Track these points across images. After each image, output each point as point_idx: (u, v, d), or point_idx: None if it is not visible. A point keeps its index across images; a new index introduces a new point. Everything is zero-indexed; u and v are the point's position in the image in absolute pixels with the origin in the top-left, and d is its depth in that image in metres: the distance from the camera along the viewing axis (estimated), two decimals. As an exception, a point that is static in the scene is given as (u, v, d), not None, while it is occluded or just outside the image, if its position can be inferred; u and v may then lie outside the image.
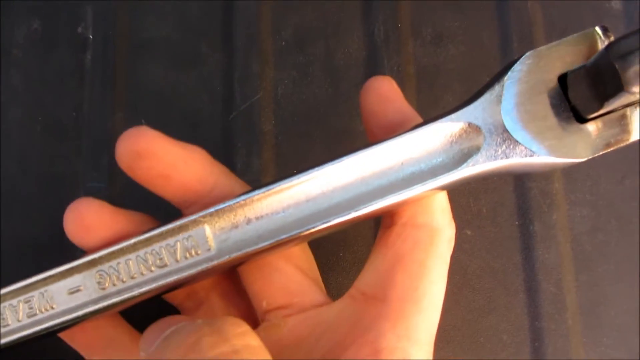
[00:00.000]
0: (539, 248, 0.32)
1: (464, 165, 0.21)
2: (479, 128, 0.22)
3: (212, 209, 0.22)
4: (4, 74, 0.32)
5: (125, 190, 0.30)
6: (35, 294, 0.22)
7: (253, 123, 0.31)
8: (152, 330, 0.21)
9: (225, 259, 0.22)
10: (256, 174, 0.30)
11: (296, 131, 0.32)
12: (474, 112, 0.22)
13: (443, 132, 0.22)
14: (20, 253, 0.30)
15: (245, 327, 0.19)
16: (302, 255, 0.25)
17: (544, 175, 0.32)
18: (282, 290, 0.24)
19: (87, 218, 0.23)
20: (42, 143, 0.31)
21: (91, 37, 0.32)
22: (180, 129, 0.31)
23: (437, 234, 0.23)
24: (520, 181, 0.32)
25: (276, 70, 0.32)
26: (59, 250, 0.30)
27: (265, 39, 0.33)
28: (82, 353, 0.25)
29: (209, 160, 0.24)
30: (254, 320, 0.25)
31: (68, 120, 0.31)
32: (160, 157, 0.23)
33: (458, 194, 0.32)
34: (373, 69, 0.33)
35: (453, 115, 0.22)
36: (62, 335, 0.24)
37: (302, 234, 0.22)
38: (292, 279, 0.25)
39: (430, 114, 0.32)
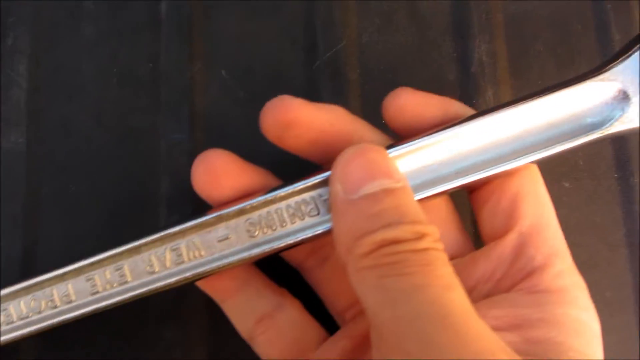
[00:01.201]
0: None
1: (608, 125, 0.22)
2: (626, 91, 0.22)
3: None
4: (77, 26, 0.30)
5: (207, 142, 0.29)
6: (183, 242, 0.22)
7: (338, 72, 0.30)
8: (356, 166, 0.20)
9: None
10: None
11: (382, 80, 0.30)
12: (622, 73, 0.22)
13: (590, 91, 0.22)
14: (99, 210, 0.29)
15: (435, 236, 0.20)
16: (446, 206, 0.25)
17: None
18: None
19: (218, 168, 0.23)
20: (118, 96, 0.30)
21: (166, -15, 0.31)
22: (263, 80, 0.30)
23: (535, 173, 0.24)
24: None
25: (359, 17, 0.31)
26: (139, 205, 0.29)
27: (347, -15, 0.31)
28: (214, 297, 0.25)
29: (350, 118, 0.24)
30: None
31: (145, 72, 0.30)
32: (307, 125, 0.23)
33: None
34: (460, 15, 0.31)
35: (602, 76, 0.22)
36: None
37: (457, 184, 0.22)
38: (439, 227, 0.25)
39: (520, 63, 0.31)
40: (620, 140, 0.31)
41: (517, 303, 0.22)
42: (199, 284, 0.25)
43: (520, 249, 0.23)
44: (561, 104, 0.22)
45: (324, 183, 0.22)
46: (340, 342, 0.24)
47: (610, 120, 0.22)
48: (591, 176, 0.30)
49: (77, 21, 0.30)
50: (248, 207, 0.22)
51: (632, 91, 0.22)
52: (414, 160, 0.22)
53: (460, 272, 0.23)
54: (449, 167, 0.22)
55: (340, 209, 0.20)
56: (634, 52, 0.22)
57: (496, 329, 0.20)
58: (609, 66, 0.22)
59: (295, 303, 0.25)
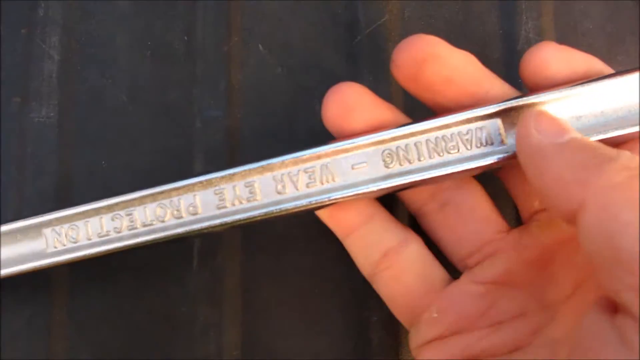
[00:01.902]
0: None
1: None
2: None
3: (509, 102, 0.22)
4: (110, -3, 0.29)
5: (244, 118, 0.28)
6: (317, 164, 0.22)
7: (379, 48, 0.29)
8: (547, 120, 0.20)
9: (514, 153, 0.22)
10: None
11: (426, 57, 0.29)
12: None
13: None
14: (131, 187, 0.28)
15: None
16: (480, 186, 0.25)
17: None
18: (478, 231, 0.24)
19: (351, 100, 0.23)
20: (153, 70, 0.29)
21: (204, -43, 0.29)
22: (301, 55, 0.29)
23: None
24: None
25: (402, -8, 0.30)
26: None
27: (390, -42, 0.30)
28: (338, 232, 0.25)
29: (480, 65, 0.24)
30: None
31: (180, 46, 0.29)
32: (445, 60, 0.23)
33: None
34: (507, -9, 0.30)
35: None
36: (319, 213, 0.24)
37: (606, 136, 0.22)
38: (485, 218, 0.24)
39: (568, 41, 0.30)
40: None
41: None
42: (323, 217, 0.24)
43: None
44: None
45: (468, 121, 0.22)
46: (466, 286, 0.24)
47: None
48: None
49: (111, -8, 0.29)
50: (387, 137, 0.22)
51: None
52: (556, 108, 0.22)
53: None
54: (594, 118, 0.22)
55: (551, 153, 0.19)
56: None
57: None
58: None
59: (420, 240, 0.25)
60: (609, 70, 0.23)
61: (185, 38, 0.29)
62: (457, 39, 0.29)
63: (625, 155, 0.18)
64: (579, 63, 0.23)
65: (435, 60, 0.22)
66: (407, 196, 0.25)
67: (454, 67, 0.23)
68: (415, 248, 0.24)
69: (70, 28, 0.29)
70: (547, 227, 0.23)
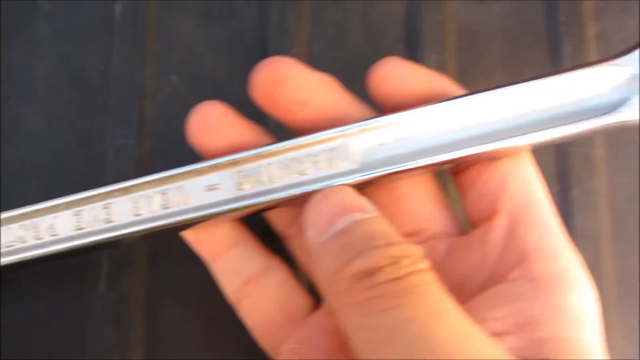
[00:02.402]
0: (578, 214, 0.31)
1: (618, 110, 0.21)
2: (637, 75, 0.22)
3: (359, 124, 0.22)
4: (31, 26, 0.30)
5: (155, 148, 0.30)
6: (172, 186, 0.23)
7: (287, 80, 0.30)
8: (324, 208, 0.20)
9: (367, 174, 0.22)
10: (291, 133, 0.29)
11: (332, 90, 0.30)
12: (636, 60, 0.22)
13: (597, 76, 0.22)
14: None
15: (415, 254, 0.19)
16: (430, 181, 0.25)
17: (586, 139, 0.31)
18: (412, 215, 0.24)
19: (212, 119, 0.24)
20: (69, 98, 0.30)
21: (120, -13, 0.31)
22: (212, 87, 0.30)
23: (526, 153, 0.23)
24: (560, 145, 0.31)
25: (312, 26, 0.31)
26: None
27: (301, -8, 0.31)
28: (205, 257, 0.25)
29: (340, 88, 0.24)
30: None
31: (96, 75, 0.30)
32: (300, 82, 0.23)
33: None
34: (412, 26, 0.31)
35: (613, 61, 0.22)
36: (186, 237, 0.25)
37: (446, 158, 0.22)
38: (422, 204, 0.24)
39: (469, 74, 0.32)
40: (562, 153, 0.31)
41: (517, 296, 0.21)
42: (190, 242, 0.25)
43: (511, 231, 0.22)
44: (566, 86, 0.22)
45: (319, 142, 0.22)
46: (325, 318, 0.24)
47: (619, 106, 0.22)
48: (532, 189, 0.31)
49: (32, 20, 0.31)
50: (240, 158, 0.23)
51: None
52: (400, 131, 0.22)
53: (452, 260, 0.23)
54: (436, 139, 0.22)
55: (315, 253, 0.20)
56: None
57: (501, 333, 0.20)
58: (624, 53, 0.22)
59: (284, 268, 0.25)
60: (453, 86, 0.24)
61: (102, 67, 0.30)
62: (363, 72, 0.31)
63: (370, 256, 0.19)
64: (422, 78, 0.23)
65: (289, 81, 0.23)
66: (272, 219, 0.26)
67: (309, 89, 0.23)
68: (277, 276, 0.25)
69: (-9, 56, 0.30)
70: None
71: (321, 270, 0.20)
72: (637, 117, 0.22)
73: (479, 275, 0.22)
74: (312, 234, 0.20)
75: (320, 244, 0.20)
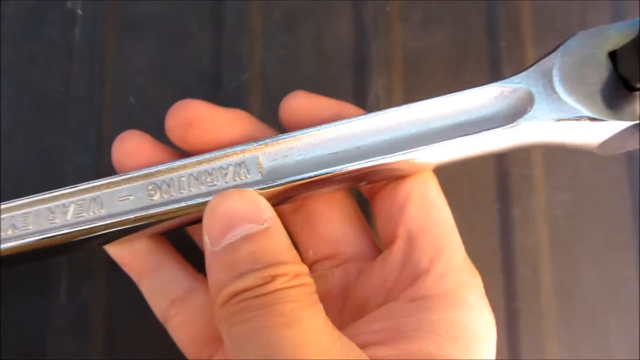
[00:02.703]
0: (518, 231, 0.33)
1: (514, 123, 0.23)
2: (531, 92, 0.23)
3: (265, 140, 0.24)
4: (-7, 47, 0.32)
5: (112, 166, 0.31)
6: (87, 197, 0.24)
7: (241, 102, 0.32)
8: (220, 214, 0.21)
9: (271, 184, 0.23)
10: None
11: (283, 112, 0.32)
12: (527, 78, 0.24)
13: (493, 94, 0.24)
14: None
15: (283, 272, 0.20)
16: (348, 204, 0.26)
17: (525, 159, 0.33)
18: (328, 239, 0.26)
19: (129, 144, 0.25)
20: (30, 118, 0.31)
21: (80, 12, 0.32)
22: (168, 107, 0.31)
23: (429, 177, 0.25)
24: (501, 166, 0.33)
25: (265, 50, 0.33)
26: None
27: (255, 18, 0.33)
28: (133, 276, 0.26)
29: (252, 120, 0.26)
30: None
31: (56, 96, 0.31)
32: (210, 122, 0.24)
33: (440, 177, 0.32)
34: (361, 51, 0.33)
35: (506, 80, 0.24)
36: (114, 257, 0.26)
37: (349, 169, 0.23)
38: (338, 228, 0.26)
39: (415, 97, 0.33)
40: (502, 173, 0.33)
41: (396, 313, 0.22)
42: (117, 260, 0.26)
43: (408, 254, 0.23)
44: (462, 104, 0.24)
45: (227, 156, 0.24)
46: None
47: (512, 120, 0.23)
48: (473, 207, 0.33)
49: (-6, 42, 0.32)
50: (153, 171, 0.24)
51: (536, 93, 0.23)
52: (302, 145, 0.24)
53: (359, 282, 0.24)
54: (337, 153, 0.24)
55: (208, 260, 0.21)
56: (538, 61, 0.24)
57: (373, 343, 0.21)
58: (518, 73, 0.24)
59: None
60: (359, 112, 0.25)
61: (62, 88, 0.31)
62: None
63: (247, 279, 0.20)
64: (328, 108, 0.25)
65: (198, 123, 0.24)
66: (196, 237, 0.27)
67: (219, 127, 0.25)
68: (201, 297, 0.26)
69: (-47, 76, 0.31)
70: (320, 280, 0.25)
71: (209, 280, 0.21)
72: (530, 135, 0.23)
73: (379, 297, 0.24)
74: (207, 240, 0.21)
75: (211, 253, 0.21)
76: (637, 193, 0.33)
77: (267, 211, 0.21)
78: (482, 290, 0.23)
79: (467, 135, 0.23)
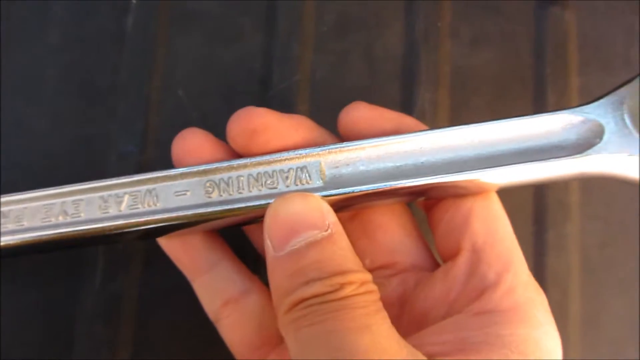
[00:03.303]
0: (551, 255, 0.33)
1: (582, 154, 0.23)
2: (601, 124, 0.23)
3: (329, 146, 0.24)
4: (43, 30, 0.31)
5: (157, 158, 0.31)
6: (142, 189, 0.24)
7: (289, 104, 0.32)
8: (283, 219, 0.21)
9: (333, 192, 0.23)
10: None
11: (330, 116, 0.31)
12: (597, 109, 0.23)
13: (562, 123, 0.24)
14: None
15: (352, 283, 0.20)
16: (406, 215, 0.26)
17: (563, 186, 0.33)
18: (385, 248, 0.26)
19: (190, 142, 0.25)
20: (77, 103, 0.31)
21: (134, 1, 0.32)
22: (216, 103, 0.32)
23: (491, 193, 0.24)
24: (539, 189, 0.33)
25: (315, 54, 0.33)
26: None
27: (307, 22, 0.33)
28: (186, 274, 0.26)
29: (314, 125, 0.25)
30: None
31: (104, 83, 0.31)
32: (274, 129, 0.24)
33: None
34: (410, 64, 0.33)
35: (576, 109, 0.24)
36: (168, 252, 0.26)
37: (412, 185, 0.23)
38: (395, 238, 0.26)
39: (460, 113, 0.33)
40: (540, 197, 0.33)
41: (463, 326, 0.22)
42: (171, 257, 0.26)
43: (473, 267, 0.23)
44: (530, 129, 0.24)
45: (289, 159, 0.23)
46: None
47: (581, 151, 0.23)
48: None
49: (45, 24, 0.31)
50: (212, 168, 0.24)
51: (606, 125, 0.23)
52: (367, 155, 0.24)
53: (419, 293, 0.24)
54: (402, 167, 0.23)
55: (270, 266, 0.21)
56: (611, 93, 0.24)
57: (440, 354, 0.21)
58: (588, 103, 0.24)
59: (262, 290, 0.26)
60: (420, 126, 0.25)
61: (110, 76, 0.31)
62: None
63: (312, 287, 0.20)
64: (389, 120, 0.25)
65: (264, 130, 0.24)
66: (253, 238, 0.27)
67: (284, 136, 0.24)
68: (256, 299, 0.26)
69: (3, 55, 0.31)
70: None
71: (273, 285, 0.21)
72: (597, 166, 0.23)
73: (441, 308, 0.24)
74: (269, 245, 0.21)
75: (274, 259, 0.21)
76: (668, 227, 0.34)
77: (330, 217, 0.21)
78: (548, 308, 0.23)
79: (534, 161, 0.23)
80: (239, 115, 0.24)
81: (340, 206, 0.24)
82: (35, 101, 0.31)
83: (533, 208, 0.33)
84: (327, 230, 0.21)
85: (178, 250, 0.26)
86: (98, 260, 0.30)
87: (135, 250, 0.30)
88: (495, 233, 0.23)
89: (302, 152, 0.24)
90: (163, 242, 0.26)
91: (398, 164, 0.23)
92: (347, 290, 0.20)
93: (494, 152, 0.24)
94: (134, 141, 0.31)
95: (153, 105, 0.31)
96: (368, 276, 0.21)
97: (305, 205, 0.21)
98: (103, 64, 0.31)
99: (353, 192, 0.23)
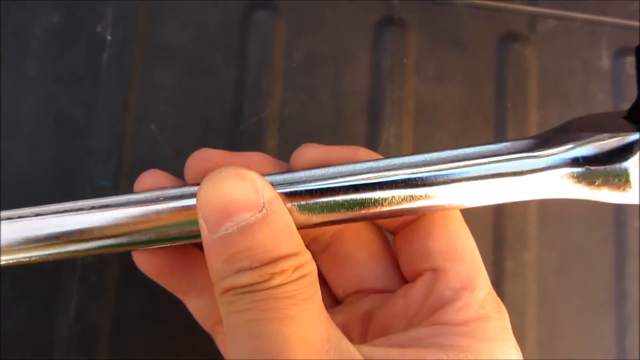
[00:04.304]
0: (508, 282, 0.34)
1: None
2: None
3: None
4: (21, 64, 0.32)
5: (130, 191, 0.32)
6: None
7: (258, 139, 0.33)
8: (216, 200, 0.20)
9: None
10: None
11: (298, 151, 0.33)
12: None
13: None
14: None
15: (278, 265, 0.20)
16: (376, 241, 0.27)
17: (521, 216, 0.35)
18: (355, 278, 0.26)
19: (149, 183, 0.25)
20: (53, 136, 0.32)
21: (109, 37, 0.33)
22: (189, 137, 0.33)
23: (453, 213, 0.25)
24: (498, 220, 0.35)
25: (285, 89, 0.34)
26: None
27: (277, 58, 0.34)
28: (178, 296, 0.27)
29: (271, 161, 0.26)
30: None
31: (80, 117, 0.32)
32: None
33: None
34: (376, 99, 0.34)
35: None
36: (157, 280, 0.26)
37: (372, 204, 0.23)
38: (363, 267, 0.26)
39: (424, 147, 0.35)
40: (499, 227, 0.35)
41: (414, 334, 0.23)
42: (161, 283, 0.26)
43: (431, 287, 0.24)
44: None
45: None
46: None
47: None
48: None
49: (23, 60, 0.32)
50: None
51: None
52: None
53: (384, 308, 0.25)
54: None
55: (206, 246, 0.21)
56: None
57: (379, 353, 0.21)
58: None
59: None
60: (373, 155, 0.26)
61: (86, 111, 0.32)
62: (328, 138, 0.34)
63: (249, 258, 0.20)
64: (341, 155, 0.25)
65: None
66: None
67: None
68: None
69: (-20, 89, 0.32)
70: (351, 306, 0.26)
71: (209, 265, 0.21)
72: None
73: (401, 322, 0.24)
74: (203, 225, 0.21)
75: (210, 240, 0.20)
76: (620, 256, 0.35)
77: (267, 193, 0.21)
78: (507, 324, 0.24)
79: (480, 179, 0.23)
80: (193, 157, 0.25)
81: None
82: (13, 133, 0.32)
83: (492, 238, 0.35)
84: (261, 210, 0.20)
85: (167, 277, 0.26)
86: (73, 292, 0.31)
87: (109, 280, 0.31)
88: (454, 252, 0.24)
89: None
90: (149, 270, 0.26)
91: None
92: (277, 280, 0.20)
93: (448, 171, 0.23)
94: (108, 175, 0.32)
95: (127, 140, 0.32)
96: (303, 258, 0.21)
97: (238, 184, 0.20)
98: (79, 98, 0.32)
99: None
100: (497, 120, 0.36)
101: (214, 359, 0.30)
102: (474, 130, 0.35)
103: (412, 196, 0.23)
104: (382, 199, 0.23)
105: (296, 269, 0.20)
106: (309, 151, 0.25)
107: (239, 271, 0.20)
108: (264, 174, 0.24)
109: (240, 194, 0.20)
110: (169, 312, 0.31)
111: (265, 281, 0.20)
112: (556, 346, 0.34)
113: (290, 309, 0.20)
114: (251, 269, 0.20)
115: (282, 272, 0.20)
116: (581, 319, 0.35)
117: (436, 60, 0.35)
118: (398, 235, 0.26)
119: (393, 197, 0.23)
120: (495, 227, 0.35)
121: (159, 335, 0.31)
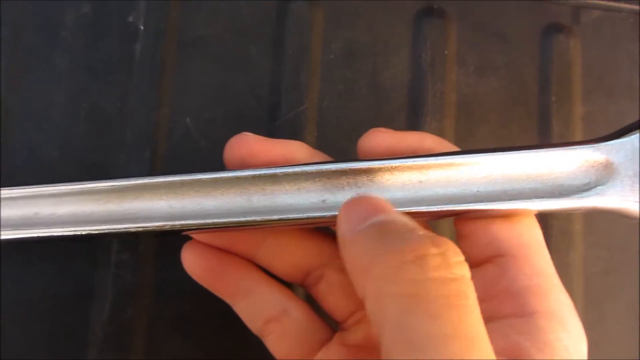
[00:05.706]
0: (553, 283, 0.33)
1: (587, 194, 0.23)
2: (613, 165, 0.23)
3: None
4: (51, 56, 0.31)
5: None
6: None
7: (296, 133, 0.32)
8: (356, 207, 0.21)
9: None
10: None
11: (337, 146, 0.32)
12: (613, 148, 0.23)
13: (578, 158, 0.23)
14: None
15: (462, 257, 0.19)
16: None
17: (566, 215, 0.34)
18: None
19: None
20: (84, 130, 0.31)
21: (142, 28, 0.32)
22: (224, 130, 0.31)
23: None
24: (543, 219, 0.33)
25: (323, 82, 0.33)
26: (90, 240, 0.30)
27: (315, 49, 0.33)
28: (225, 300, 0.27)
29: (309, 150, 0.26)
30: None
31: (112, 110, 0.31)
32: (264, 158, 0.25)
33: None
34: (417, 92, 0.33)
35: (594, 146, 0.23)
36: (205, 284, 0.26)
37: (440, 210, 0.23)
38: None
39: (466, 142, 0.34)
40: (543, 226, 0.33)
41: (511, 329, 0.22)
42: (209, 287, 0.26)
43: (502, 272, 0.23)
44: (546, 161, 0.23)
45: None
46: (335, 349, 0.26)
47: (591, 189, 0.23)
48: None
49: (53, 51, 0.31)
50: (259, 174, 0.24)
51: (619, 166, 0.23)
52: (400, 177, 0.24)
53: None
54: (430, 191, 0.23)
55: (349, 242, 0.20)
56: (629, 134, 0.23)
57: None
58: (603, 140, 0.24)
59: (301, 305, 0.27)
60: (441, 142, 0.25)
61: (118, 104, 0.31)
62: (366, 131, 0.33)
63: (415, 242, 0.19)
64: (409, 141, 0.25)
65: (255, 158, 0.25)
66: (287, 276, 0.28)
67: (274, 162, 0.25)
68: (295, 316, 0.26)
69: (11, 82, 0.31)
70: None
71: (355, 257, 0.20)
72: (604, 204, 0.23)
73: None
74: (346, 227, 0.20)
75: (356, 231, 0.20)
76: (669, 255, 0.34)
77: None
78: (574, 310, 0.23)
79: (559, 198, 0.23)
80: (233, 141, 0.25)
81: None
82: (44, 127, 0.31)
83: (537, 236, 0.33)
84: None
85: (214, 281, 0.26)
86: (108, 290, 0.30)
87: (144, 279, 0.30)
88: (522, 238, 0.24)
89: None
90: (196, 273, 0.26)
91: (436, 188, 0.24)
92: (454, 259, 0.19)
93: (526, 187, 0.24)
94: (142, 170, 0.31)
95: (161, 134, 0.31)
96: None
97: (378, 198, 0.21)
98: (111, 90, 0.31)
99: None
100: (541, 114, 0.34)
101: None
102: (516, 125, 0.34)
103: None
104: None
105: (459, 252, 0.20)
106: (378, 137, 0.25)
107: (403, 236, 0.19)
108: (302, 163, 0.25)
109: (384, 204, 0.21)
110: (205, 313, 0.30)
111: (443, 254, 0.18)
112: (603, 347, 0.33)
113: (480, 327, 0.18)
114: (416, 232, 0.19)
115: (449, 250, 0.19)
116: (628, 319, 0.33)
117: (478, 52, 0.34)
118: (459, 221, 0.25)
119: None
120: (540, 225, 0.33)
121: (196, 337, 0.30)
